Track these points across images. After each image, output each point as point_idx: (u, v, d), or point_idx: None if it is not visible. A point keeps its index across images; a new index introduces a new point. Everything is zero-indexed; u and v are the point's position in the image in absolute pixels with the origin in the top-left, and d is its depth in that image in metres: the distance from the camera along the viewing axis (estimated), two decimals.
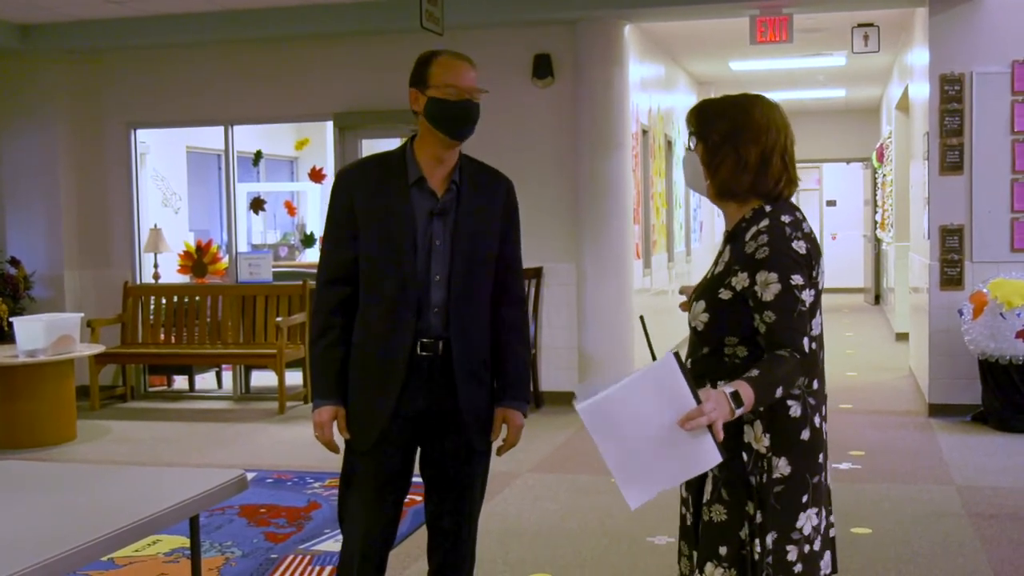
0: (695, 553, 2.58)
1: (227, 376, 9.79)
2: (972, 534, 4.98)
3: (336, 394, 2.98)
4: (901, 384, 9.27)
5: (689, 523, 2.62)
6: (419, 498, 3.15)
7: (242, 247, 9.88)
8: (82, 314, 8.06)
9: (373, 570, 3.05)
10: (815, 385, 2.47)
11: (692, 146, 2.58)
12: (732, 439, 2.37)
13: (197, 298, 9.14)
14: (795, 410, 2.44)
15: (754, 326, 2.42)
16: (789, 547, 2.43)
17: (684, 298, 2.74)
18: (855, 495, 5.68)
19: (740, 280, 2.43)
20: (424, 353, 2.93)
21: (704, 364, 2.47)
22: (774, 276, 2.37)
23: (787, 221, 2.45)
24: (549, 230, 8.29)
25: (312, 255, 12.12)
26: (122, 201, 9.33)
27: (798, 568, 2.44)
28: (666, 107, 10.88)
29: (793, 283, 2.37)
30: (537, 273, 8.35)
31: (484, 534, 4.94)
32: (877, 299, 16.37)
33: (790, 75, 12.66)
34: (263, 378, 9.47)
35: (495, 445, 3.11)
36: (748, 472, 2.43)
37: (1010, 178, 7.50)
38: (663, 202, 10.74)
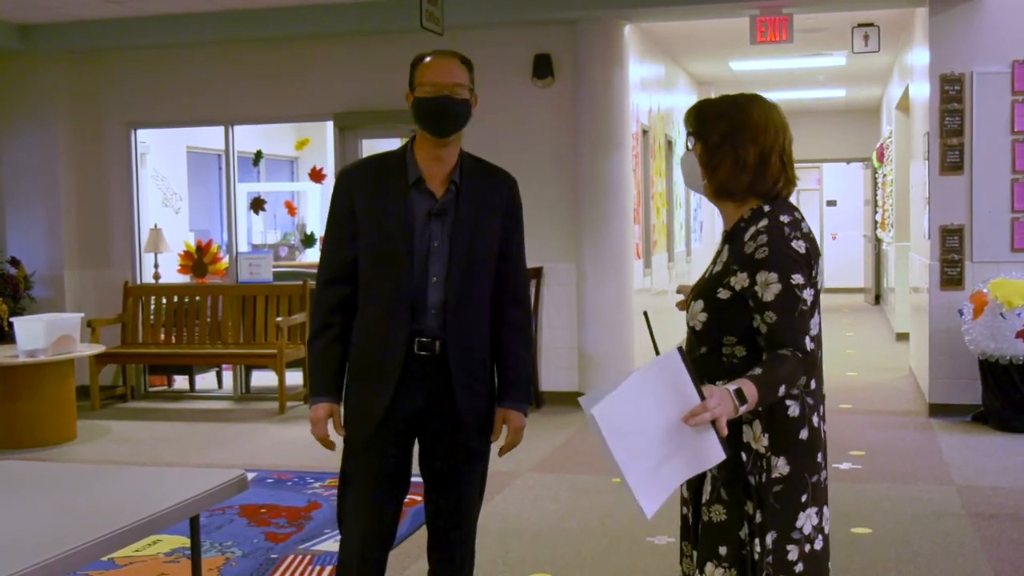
0: (696, 553, 2.58)
1: (227, 376, 9.79)
2: (972, 534, 4.98)
3: (332, 392, 3.01)
4: (901, 384, 9.27)
5: (691, 523, 2.62)
6: (419, 498, 3.14)
7: (242, 247, 9.88)
8: (82, 314, 8.06)
9: (372, 570, 3.04)
10: (813, 384, 2.48)
11: (690, 146, 2.58)
12: (731, 439, 2.37)
13: (197, 298, 9.14)
14: (793, 409, 2.44)
15: (753, 326, 2.42)
16: (789, 547, 2.43)
17: (682, 297, 2.74)
18: (855, 495, 5.68)
19: (739, 280, 2.43)
20: (423, 353, 2.93)
21: (702, 364, 2.47)
22: (774, 276, 2.37)
23: (786, 221, 2.45)
24: (549, 230, 8.29)
25: (312, 255, 12.12)
26: (122, 201, 9.33)
27: (799, 568, 2.44)
28: (666, 107, 10.88)
29: (794, 283, 2.37)
30: (537, 273, 8.35)
31: (484, 534, 4.95)
32: (877, 299, 16.37)
33: (790, 75, 12.66)
34: (263, 378, 9.47)
35: (496, 445, 3.10)
36: (747, 472, 2.43)
37: (1010, 178, 7.50)
38: (663, 202, 10.74)
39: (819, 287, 2.47)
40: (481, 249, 2.97)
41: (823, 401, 2.53)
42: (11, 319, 7.60)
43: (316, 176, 11.68)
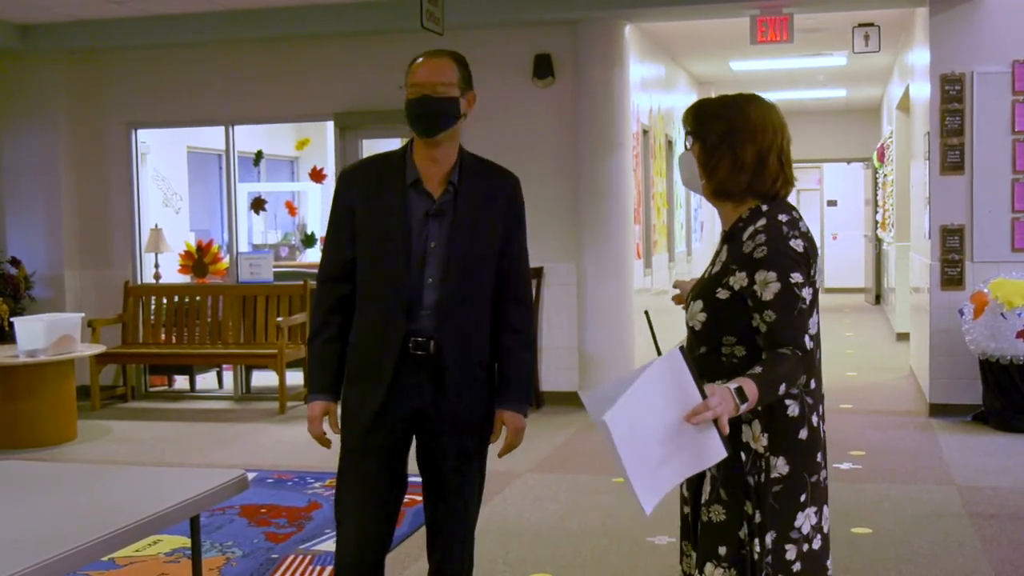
0: (694, 553, 2.58)
1: (228, 376, 9.79)
2: (972, 534, 4.97)
3: (329, 390, 3.03)
4: (902, 384, 9.27)
5: (690, 522, 2.62)
6: (419, 498, 3.14)
7: (243, 247, 9.88)
8: (83, 314, 8.06)
9: (368, 570, 3.04)
10: (812, 384, 2.48)
11: (688, 146, 2.58)
12: (731, 438, 2.37)
13: (198, 298, 9.14)
14: (793, 409, 2.44)
15: (752, 325, 2.42)
16: (788, 546, 2.43)
17: (678, 291, 2.74)
18: (855, 495, 5.68)
19: (738, 280, 2.43)
20: (419, 353, 2.92)
21: (702, 363, 2.46)
22: (773, 275, 2.38)
23: (784, 220, 2.46)
24: (549, 230, 8.29)
25: (313, 255, 12.13)
26: (123, 201, 9.33)
27: (797, 567, 2.44)
28: (666, 107, 10.88)
29: (792, 281, 2.38)
30: (537, 273, 8.35)
31: (484, 534, 4.95)
32: (878, 299, 16.37)
33: (790, 75, 12.66)
34: (264, 378, 9.47)
35: (496, 446, 3.09)
36: (746, 472, 2.44)
37: (1011, 178, 7.50)
38: (664, 202, 10.74)
39: (817, 286, 2.47)
40: (479, 250, 2.96)
41: (822, 401, 2.53)
42: (11, 319, 7.60)
43: (316, 176, 11.68)
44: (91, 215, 9.30)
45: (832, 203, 19.42)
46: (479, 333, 3.00)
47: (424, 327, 2.93)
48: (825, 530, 2.51)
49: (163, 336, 9.19)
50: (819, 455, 2.50)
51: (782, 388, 2.34)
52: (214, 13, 8.36)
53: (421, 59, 2.98)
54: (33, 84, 9.11)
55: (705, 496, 2.49)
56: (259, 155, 10.44)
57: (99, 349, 7.98)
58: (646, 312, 2.54)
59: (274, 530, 5.21)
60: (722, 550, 2.44)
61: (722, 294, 2.46)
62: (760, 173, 2.49)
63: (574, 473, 6.23)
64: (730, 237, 2.52)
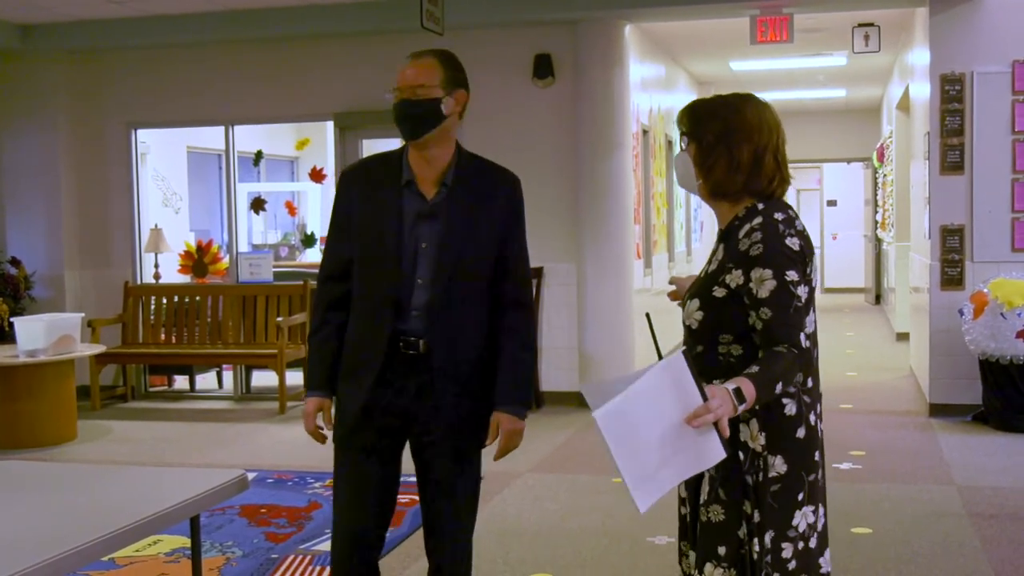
0: (692, 552, 2.58)
1: (228, 376, 9.80)
2: (972, 534, 4.98)
3: (323, 386, 3.05)
4: (902, 384, 9.27)
5: (689, 522, 2.62)
6: (419, 498, 3.14)
7: (243, 247, 9.89)
8: (83, 314, 8.06)
9: (358, 567, 3.04)
10: (810, 383, 2.48)
11: (684, 146, 2.58)
12: (729, 438, 2.37)
13: (198, 298, 9.14)
14: (790, 408, 2.44)
15: (749, 324, 2.43)
16: (785, 544, 2.44)
17: (674, 288, 2.74)
18: (855, 495, 5.68)
19: (734, 278, 2.44)
20: (410, 352, 2.93)
21: (699, 362, 2.46)
22: (769, 273, 2.38)
23: (780, 219, 2.46)
24: (549, 230, 8.29)
25: (312, 255, 12.13)
26: (123, 201, 9.33)
27: (792, 565, 2.45)
28: (666, 107, 10.88)
29: (788, 279, 2.38)
30: (538, 273, 8.35)
31: (484, 534, 4.95)
32: (878, 299, 16.38)
33: (790, 75, 12.66)
34: (264, 378, 9.47)
35: (492, 448, 3.08)
36: (745, 471, 2.44)
37: (1011, 178, 7.50)
38: (664, 202, 10.74)
39: (813, 284, 2.47)
40: (473, 251, 2.95)
41: (820, 400, 2.53)
42: (11, 319, 7.60)
43: (316, 176, 11.68)
44: (91, 215, 9.30)
45: (832, 203, 19.43)
46: (472, 334, 2.98)
47: (414, 327, 2.93)
48: (820, 528, 2.51)
49: (163, 336, 9.19)
50: (817, 454, 2.51)
51: (779, 387, 2.34)
52: (214, 13, 8.36)
53: (406, 61, 2.98)
54: (33, 84, 9.11)
55: (704, 496, 2.49)
56: (259, 155, 10.44)
57: (99, 349, 7.98)
58: (647, 315, 2.54)
59: (274, 530, 5.21)
60: (721, 550, 2.45)
61: (719, 292, 2.47)
62: (756, 173, 2.50)
63: (574, 473, 6.23)
64: (726, 236, 2.53)
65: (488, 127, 8.33)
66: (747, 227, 2.46)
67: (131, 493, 3.21)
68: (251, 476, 4.60)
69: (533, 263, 8.96)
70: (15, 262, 9.07)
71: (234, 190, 9.38)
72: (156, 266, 9.71)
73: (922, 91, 8.24)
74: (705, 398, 2.22)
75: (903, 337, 11.25)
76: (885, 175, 13.65)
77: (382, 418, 2.96)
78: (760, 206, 2.50)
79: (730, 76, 12.60)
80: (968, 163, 7.55)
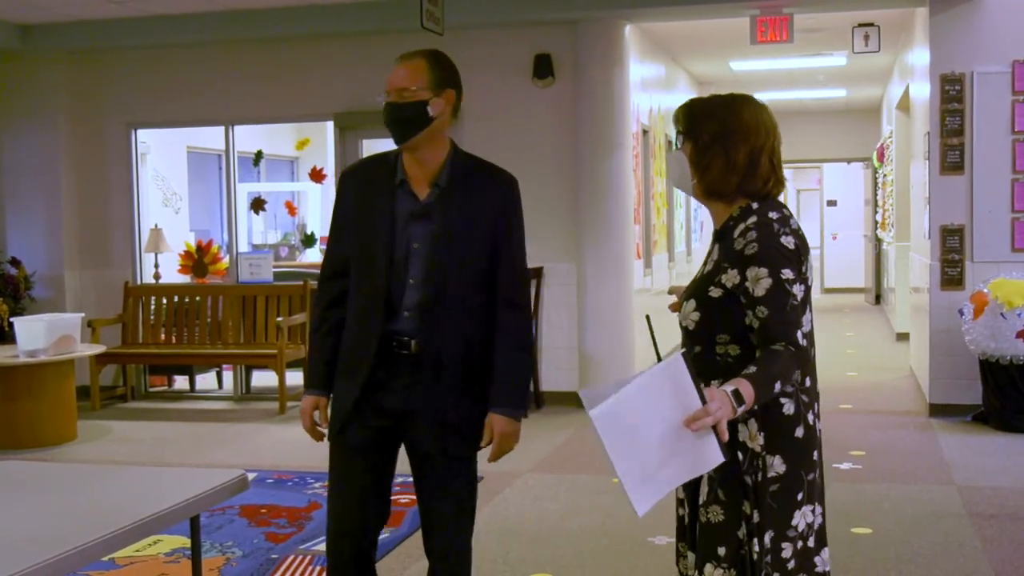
0: (690, 554, 2.58)
1: (228, 376, 9.79)
2: (972, 534, 4.98)
3: (320, 384, 3.07)
4: (902, 384, 9.27)
5: (687, 523, 2.62)
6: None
7: (243, 247, 9.89)
8: (83, 314, 8.06)
9: (347, 564, 3.05)
10: (807, 382, 2.48)
11: (680, 145, 2.58)
12: (728, 439, 2.37)
13: (198, 298, 9.14)
14: (788, 408, 2.44)
15: (745, 323, 2.43)
16: (784, 544, 2.44)
17: (674, 298, 2.73)
18: (855, 495, 5.68)
19: (730, 277, 2.44)
20: (403, 352, 2.94)
21: (696, 363, 2.46)
22: (764, 271, 2.38)
23: (775, 217, 2.46)
24: (549, 230, 8.29)
25: (312, 255, 12.14)
26: (123, 201, 9.33)
27: (792, 564, 2.45)
28: (667, 107, 10.88)
29: (784, 277, 2.38)
30: (537, 273, 8.35)
31: (484, 534, 4.95)
32: (878, 299, 16.38)
33: (790, 75, 12.65)
34: (264, 378, 9.47)
35: (488, 450, 3.07)
36: (743, 472, 2.44)
37: (1011, 178, 7.50)
38: (664, 202, 10.74)
39: (809, 283, 2.47)
40: (465, 252, 2.94)
41: (817, 399, 2.54)
42: (11, 319, 7.60)
43: (316, 176, 11.68)
44: (91, 215, 9.30)
45: (832, 203, 19.43)
46: (465, 335, 2.97)
47: (406, 327, 2.94)
48: (818, 528, 2.52)
49: (163, 336, 9.19)
50: (815, 453, 2.51)
51: (777, 386, 2.34)
52: (214, 13, 8.36)
53: (395, 63, 2.99)
54: (33, 84, 9.11)
55: (703, 497, 2.49)
56: (259, 155, 10.44)
57: (99, 349, 7.98)
58: (647, 317, 2.54)
59: (274, 530, 5.21)
60: (721, 550, 2.45)
61: (715, 292, 2.47)
62: (752, 174, 2.50)
63: (574, 473, 6.23)
64: (721, 236, 2.53)
65: (488, 127, 8.33)
66: (742, 226, 2.46)
67: (131, 493, 3.21)
68: (251, 476, 4.59)
69: (533, 263, 8.92)
70: (15, 262, 9.07)
71: (234, 190, 9.38)
72: (156, 266, 9.71)
73: (922, 91, 8.24)
74: (704, 401, 2.22)
75: (903, 337, 11.25)
76: (885, 175, 13.65)
77: (374, 417, 2.97)
78: (754, 205, 2.50)
79: (730, 76, 12.60)
80: (968, 163, 7.55)
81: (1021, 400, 7.10)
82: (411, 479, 3.09)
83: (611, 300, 8.21)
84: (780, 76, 12.71)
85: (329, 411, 3.09)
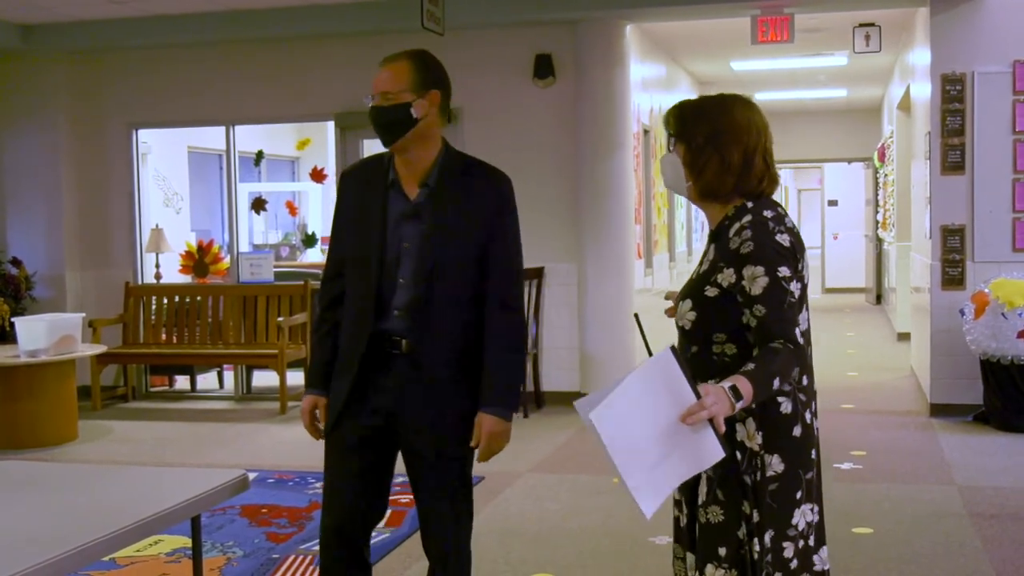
0: (688, 555, 2.58)
1: (228, 376, 9.79)
2: (973, 534, 4.97)
3: (318, 384, 3.10)
4: (902, 384, 9.27)
5: (683, 524, 2.62)
6: None
7: (243, 247, 9.89)
8: (83, 314, 8.06)
9: (340, 562, 3.07)
10: (805, 381, 2.49)
11: (672, 148, 2.58)
12: (726, 437, 2.37)
13: (198, 298, 9.14)
14: (786, 407, 2.45)
15: (742, 322, 2.43)
16: (785, 543, 2.44)
17: (671, 303, 2.73)
18: (856, 495, 5.68)
19: (726, 276, 2.44)
20: (393, 352, 2.95)
21: (693, 363, 2.47)
22: (761, 270, 2.39)
23: (769, 216, 2.47)
24: (550, 230, 8.29)
25: (313, 255, 12.14)
26: (123, 201, 9.33)
27: (794, 564, 2.45)
28: (667, 107, 10.87)
29: (780, 275, 2.39)
30: (538, 273, 8.35)
31: (485, 534, 4.95)
32: (878, 299, 16.37)
33: (791, 75, 12.65)
34: (264, 378, 9.47)
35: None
36: (742, 471, 2.44)
37: (1011, 178, 7.50)
38: (664, 202, 10.74)
39: (805, 281, 2.47)
40: (455, 252, 2.94)
41: (815, 398, 2.54)
42: (12, 319, 7.60)
43: (317, 176, 11.68)
44: (92, 215, 9.30)
45: (833, 203, 19.42)
46: (455, 334, 2.97)
47: (396, 327, 2.95)
48: (815, 526, 2.52)
49: (164, 336, 9.19)
50: (813, 452, 2.51)
51: (776, 383, 2.34)
52: (215, 13, 8.36)
53: (379, 66, 3.00)
54: (34, 84, 9.11)
55: (702, 497, 2.49)
56: (260, 155, 10.44)
57: (100, 349, 7.98)
58: (635, 315, 2.55)
59: (275, 530, 5.21)
60: (722, 551, 2.45)
61: (711, 292, 2.47)
62: (746, 174, 2.51)
63: (575, 473, 6.23)
64: (716, 236, 2.54)
65: (489, 127, 8.34)
66: (737, 226, 2.47)
67: (132, 493, 3.21)
68: (252, 476, 4.59)
69: (534, 263, 8.89)
70: (16, 262, 9.07)
71: (235, 190, 9.38)
72: (157, 266, 9.71)
73: (923, 91, 8.23)
74: (698, 395, 2.22)
75: (904, 337, 11.25)
76: (886, 175, 13.65)
77: (366, 416, 2.99)
78: (749, 205, 2.51)
79: (731, 76, 12.60)
80: (969, 163, 7.54)
81: (1022, 400, 7.09)
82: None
83: (612, 300, 8.21)
84: (781, 76, 12.71)
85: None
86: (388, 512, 5.17)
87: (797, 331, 2.39)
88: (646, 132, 9.73)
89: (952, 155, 7.57)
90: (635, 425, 2.22)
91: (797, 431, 2.46)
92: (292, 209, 13.52)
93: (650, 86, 9.96)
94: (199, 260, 9.97)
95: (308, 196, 13.63)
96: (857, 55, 9.93)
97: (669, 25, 9.35)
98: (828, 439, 6.78)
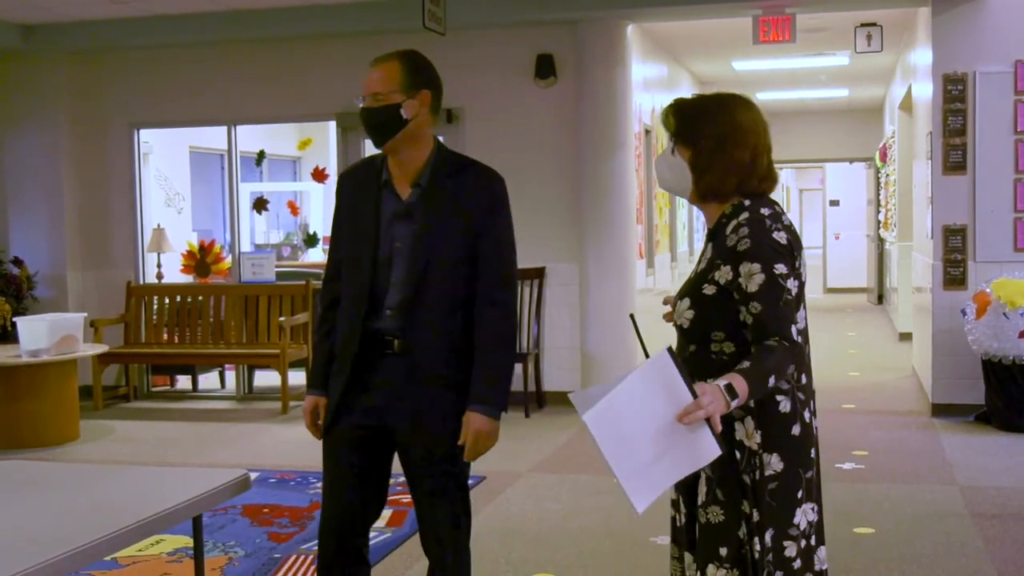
0: (686, 555, 2.58)
1: (230, 376, 9.80)
2: (975, 534, 4.97)
3: (320, 384, 3.12)
4: (904, 384, 9.27)
5: (679, 524, 2.62)
6: None
7: (245, 247, 9.90)
8: (85, 314, 8.06)
9: (337, 559, 3.07)
10: (803, 379, 2.49)
11: (672, 148, 2.57)
12: (724, 436, 2.37)
13: (200, 298, 9.15)
14: (785, 405, 2.45)
15: (740, 320, 2.43)
16: (787, 543, 2.44)
17: (669, 308, 2.73)
18: (858, 495, 5.68)
19: (723, 274, 2.44)
20: (386, 352, 2.96)
21: (692, 362, 2.47)
22: (757, 267, 2.39)
23: (766, 214, 2.47)
24: (551, 230, 8.30)
25: (314, 255, 12.14)
26: (125, 201, 9.34)
27: (797, 564, 2.45)
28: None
29: (777, 272, 2.38)
30: (539, 273, 8.35)
31: (486, 534, 4.96)
32: (880, 299, 16.37)
33: (793, 75, 12.65)
34: (266, 378, 9.48)
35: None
36: (741, 470, 2.44)
37: (1013, 178, 7.49)
38: (666, 202, 10.74)
39: (803, 279, 2.47)
40: (444, 251, 2.95)
41: (813, 397, 2.54)
42: (14, 319, 7.61)
43: (319, 176, 11.69)
44: (93, 215, 9.31)
45: (835, 203, 19.42)
46: (446, 334, 2.96)
47: (388, 327, 2.96)
48: (816, 526, 2.52)
49: (165, 336, 9.19)
50: (812, 451, 2.51)
51: (771, 380, 2.34)
52: (216, 13, 8.37)
53: (368, 67, 3.01)
54: (35, 84, 9.12)
55: (702, 497, 2.49)
56: (261, 155, 10.44)
57: (101, 349, 7.99)
58: (631, 316, 2.55)
59: (276, 530, 5.21)
60: (723, 551, 2.45)
61: (708, 290, 2.47)
62: (751, 174, 2.51)
63: (576, 473, 6.23)
64: (714, 234, 2.54)
65: (490, 127, 8.34)
66: (734, 223, 2.47)
67: (133, 493, 3.22)
68: (253, 476, 4.60)
69: (535, 263, 8.87)
70: (17, 262, 9.08)
71: (236, 190, 9.38)
72: (159, 266, 9.72)
73: (924, 91, 8.23)
74: (695, 395, 2.23)
75: (906, 337, 11.24)
76: (888, 175, 13.64)
77: (361, 415, 3.00)
78: (746, 203, 2.51)
79: (732, 76, 12.60)
80: (971, 163, 7.54)
81: (1023, 400, 7.09)
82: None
83: (613, 300, 8.21)
84: (782, 76, 12.70)
85: None
86: (389, 512, 5.20)
87: (793, 329, 2.39)
88: (647, 132, 9.73)
89: (954, 155, 7.57)
90: (631, 424, 2.23)
91: (796, 430, 2.46)
92: (294, 209, 13.52)
93: (651, 86, 9.96)
94: (201, 260, 9.97)
95: (310, 196, 13.63)
96: (859, 55, 9.93)
97: (670, 25, 9.35)
98: (830, 439, 6.78)
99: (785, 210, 2.59)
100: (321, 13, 8.25)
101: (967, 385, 7.55)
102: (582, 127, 8.23)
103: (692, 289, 2.52)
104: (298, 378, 9.04)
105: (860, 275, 18.10)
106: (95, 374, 8.60)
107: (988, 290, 7.17)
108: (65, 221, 9.16)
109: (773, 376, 2.33)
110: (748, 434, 2.44)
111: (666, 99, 10.71)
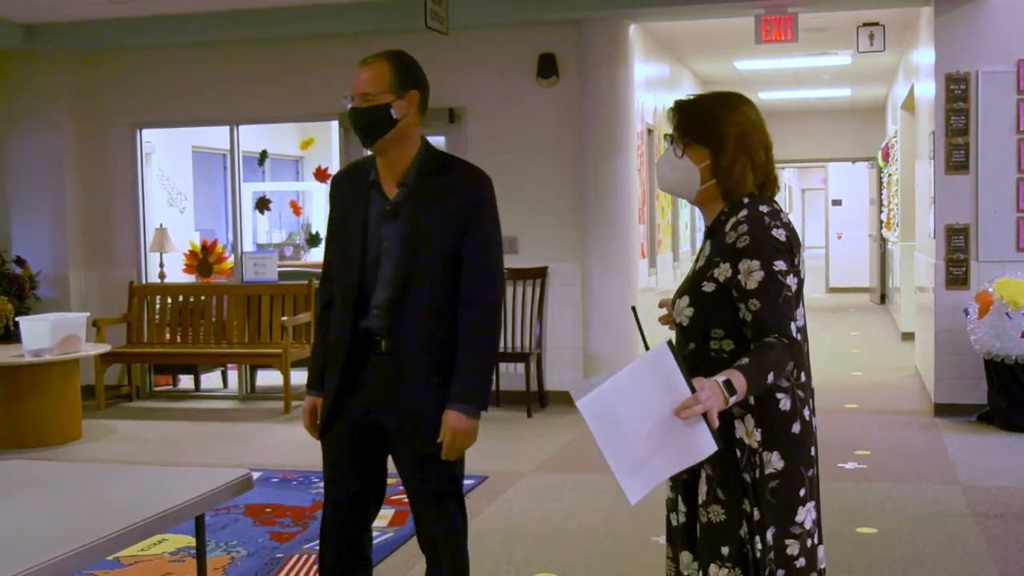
0: (685, 555, 2.58)
1: (232, 376, 9.80)
2: (977, 534, 4.97)
3: (318, 384, 3.14)
4: (907, 384, 9.26)
5: (675, 524, 2.61)
6: None
7: (247, 246, 9.91)
8: (87, 314, 8.07)
9: (337, 557, 3.10)
10: (803, 377, 2.48)
11: (680, 150, 2.55)
12: (724, 435, 2.37)
13: (202, 298, 9.15)
14: (784, 403, 2.45)
15: (739, 317, 2.42)
16: (789, 541, 2.44)
17: (665, 311, 2.72)
18: (860, 495, 5.67)
19: (722, 271, 2.44)
20: (374, 351, 2.98)
21: (692, 360, 2.47)
22: (756, 264, 2.39)
23: (765, 211, 2.47)
24: (553, 230, 8.30)
25: (317, 255, 12.14)
26: (127, 201, 9.35)
27: (800, 563, 2.45)
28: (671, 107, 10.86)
29: (776, 269, 2.38)
30: (542, 273, 8.35)
31: (488, 534, 4.96)
32: (883, 299, 16.36)
33: (795, 74, 12.64)
34: (268, 377, 9.48)
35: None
36: (741, 469, 2.44)
37: (1016, 177, 7.49)
38: (668, 202, 10.74)
39: (802, 276, 2.47)
40: (432, 250, 2.95)
41: (813, 395, 2.54)
42: (16, 318, 7.61)
43: (321, 176, 11.68)
44: (96, 215, 9.32)
45: (837, 202, 19.40)
46: (433, 332, 2.97)
47: (375, 326, 2.98)
48: (817, 524, 2.52)
49: (168, 336, 9.20)
50: (812, 449, 2.51)
51: (770, 377, 2.34)
52: (217, 13, 8.37)
53: (356, 67, 3.01)
54: (37, 84, 9.12)
55: (702, 497, 2.49)
56: (264, 155, 10.44)
57: (104, 349, 7.99)
58: (633, 308, 2.55)
59: (279, 529, 5.21)
60: (724, 550, 2.44)
61: (707, 287, 2.47)
62: (769, 172, 2.53)
63: (578, 473, 6.23)
64: (713, 232, 2.54)
65: (492, 127, 8.33)
66: (732, 221, 2.48)
67: (136, 492, 3.22)
68: (256, 475, 4.61)
69: (537, 263, 8.87)
70: (20, 262, 9.08)
71: (239, 190, 9.38)
72: (161, 266, 9.72)
73: (927, 90, 8.23)
74: (693, 390, 2.23)
75: (908, 337, 11.24)
76: (890, 174, 13.63)
77: (353, 414, 3.03)
78: (745, 200, 2.51)
79: (735, 76, 12.59)
80: (973, 162, 7.53)
81: None
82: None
83: (615, 300, 8.20)
84: (785, 75, 12.70)
85: None
86: (391, 512, 5.20)
87: (792, 326, 2.39)
88: (650, 132, 9.73)
89: (956, 155, 7.56)
90: (626, 415, 2.23)
91: (796, 428, 2.46)
92: (296, 208, 13.52)
93: (654, 86, 9.96)
94: (203, 260, 9.97)
95: (312, 195, 13.63)
96: (861, 54, 9.92)
97: (673, 25, 9.34)
98: (832, 439, 6.79)
99: (784, 208, 2.59)
100: (322, 13, 8.25)
101: (970, 385, 7.55)
102: (584, 127, 8.23)
103: (691, 287, 2.52)
104: (300, 378, 9.01)
105: (862, 275, 18.08)
106: (97, 374, 8.61)
107: (991, 290, 7.16)
108: (67, 221, 9.17)
109: (772, 373, 2.33)
110: (748, 432, 2.43)
111: (668, 99, 10.74)
